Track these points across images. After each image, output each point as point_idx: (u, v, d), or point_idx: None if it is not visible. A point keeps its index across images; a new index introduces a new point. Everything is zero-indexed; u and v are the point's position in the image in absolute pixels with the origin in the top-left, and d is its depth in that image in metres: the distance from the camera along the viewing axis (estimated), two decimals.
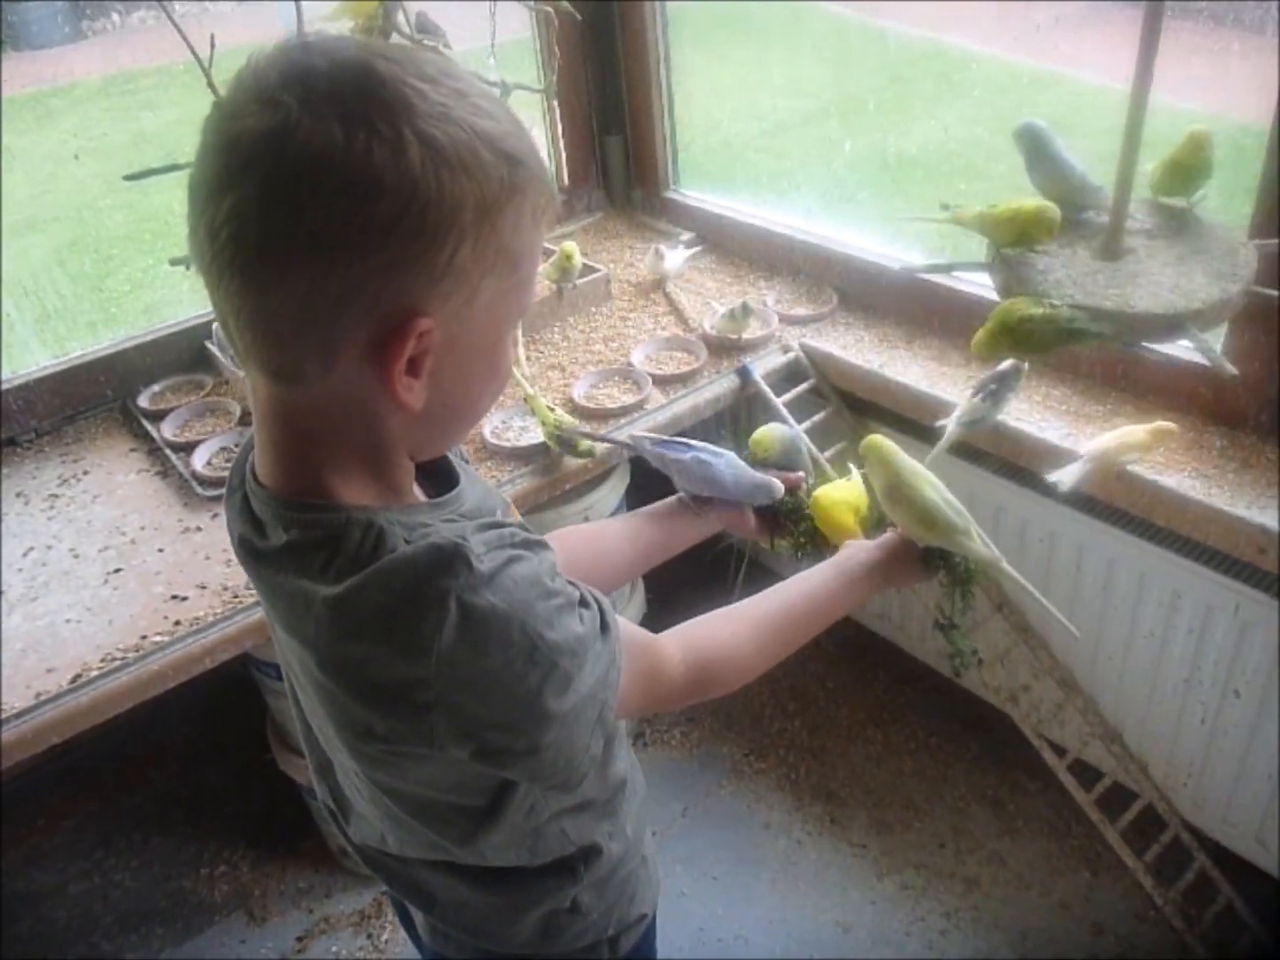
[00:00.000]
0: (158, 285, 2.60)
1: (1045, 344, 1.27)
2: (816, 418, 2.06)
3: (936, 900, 2.06)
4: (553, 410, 1.80)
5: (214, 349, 2.09)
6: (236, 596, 1.55)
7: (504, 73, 1.94)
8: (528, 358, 2.09)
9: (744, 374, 2.01)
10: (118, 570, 1.63)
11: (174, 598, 1.56)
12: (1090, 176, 1.46)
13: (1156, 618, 1.79)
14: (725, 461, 1.27)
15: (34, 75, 2.86)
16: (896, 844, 2.17)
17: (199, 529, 1.71)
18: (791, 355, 2.08)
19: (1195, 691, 1.80)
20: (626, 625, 0.88)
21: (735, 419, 2.40)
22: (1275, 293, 1.26)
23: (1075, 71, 2.48)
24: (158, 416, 1.99)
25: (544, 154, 0.76)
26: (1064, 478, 1.62)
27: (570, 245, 2.17)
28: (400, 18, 1.77)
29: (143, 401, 2.05)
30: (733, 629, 1.04)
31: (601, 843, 0.99)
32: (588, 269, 2.28)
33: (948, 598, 1.28)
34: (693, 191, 2.63)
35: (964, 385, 1.87)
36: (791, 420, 1.97)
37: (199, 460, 1.84)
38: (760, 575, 1.60)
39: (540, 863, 0.96)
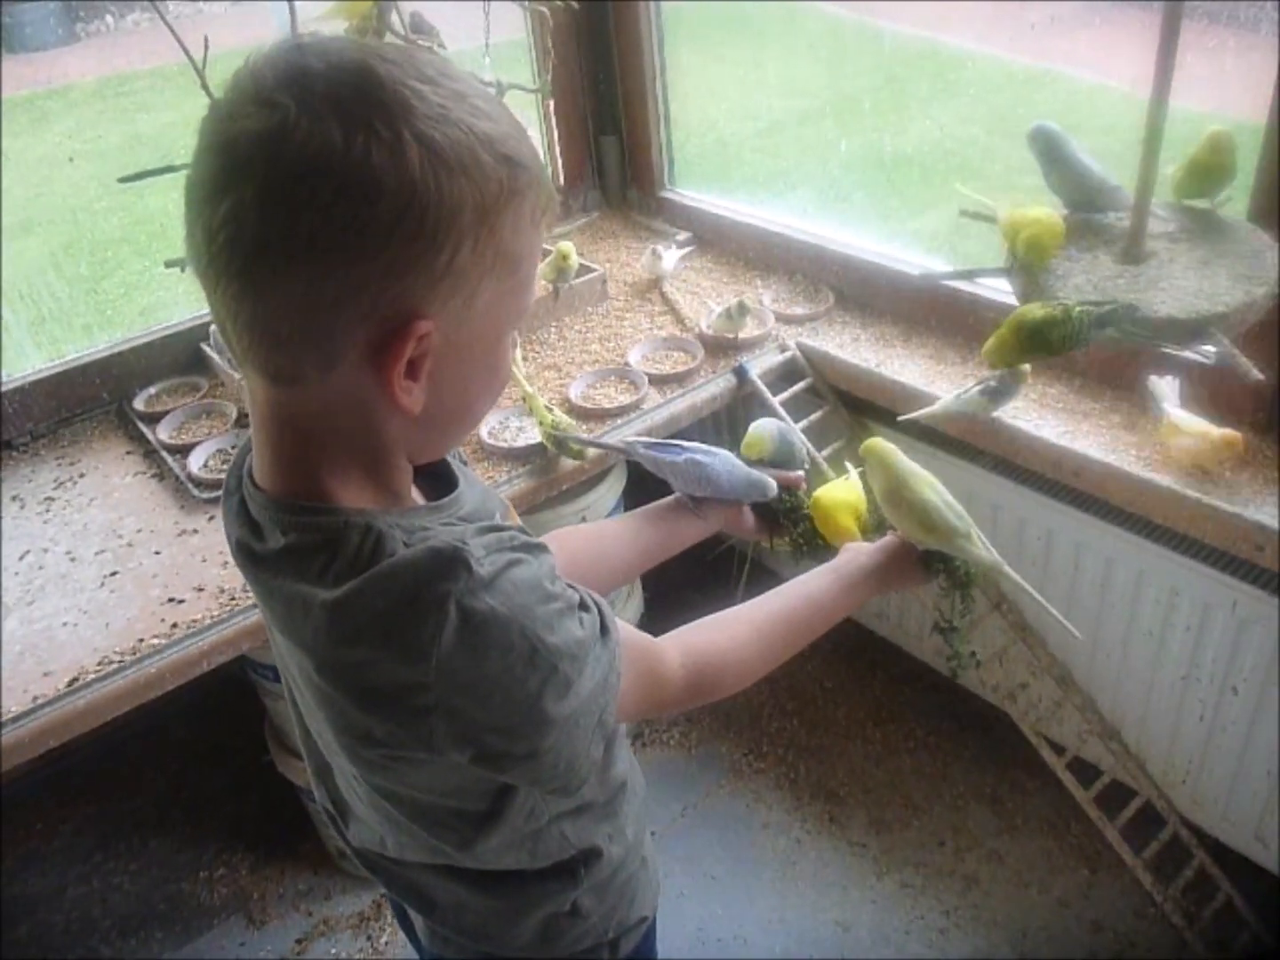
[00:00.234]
0: (153, 287, 2.60)
1: (1057, 347, 1.27)
2: (813, 416, 2.06)
3: (936, 899, 2.06)
4: (550, 410, 1.80)
5: (210, 351, 2.09)
6: (233, 599, 1.55)
7: (499, 73, 1.94)
8: (524, 358, 2.09)
9: (741, 373, 2.01)
10: (114, 573, 1.63)
11: (171, 600, 1.56)
12: (1109, 177, 1.45)
13: (1154, 615, 1.79)
14: (719, 461, 1.27)
15: (28, 77, 2.86)
16: (896, 842, 2.17)
17: (195, 531, 1.71)
18: (788, 354, 2.08)
19: (1193, 689, 1.80)
20: (626, 628, 0.87)
21: (732, 418, 2.40)
22: None
23: (1071, 70, 2.48)
24: (154, 419, 1.99)
25: (539, 154, 0.75)
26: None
27: (567, 245, 2.17)
28: (394, 18, 1.77)
29: (139, 404, 2.05)
30: (732, 632, 1.04)
31: (601, 845, 0.99)
32: (584, 269, 2.28)
33: (947, 600, 1.28)
34: (689, 191, 2.63)
35: (961, 383, 1.87)
36: (788, 419, 1.97)
37: (195, 462, 1.83)
38: (761, 576, 1.61)
39: (540, 866, 0.95)
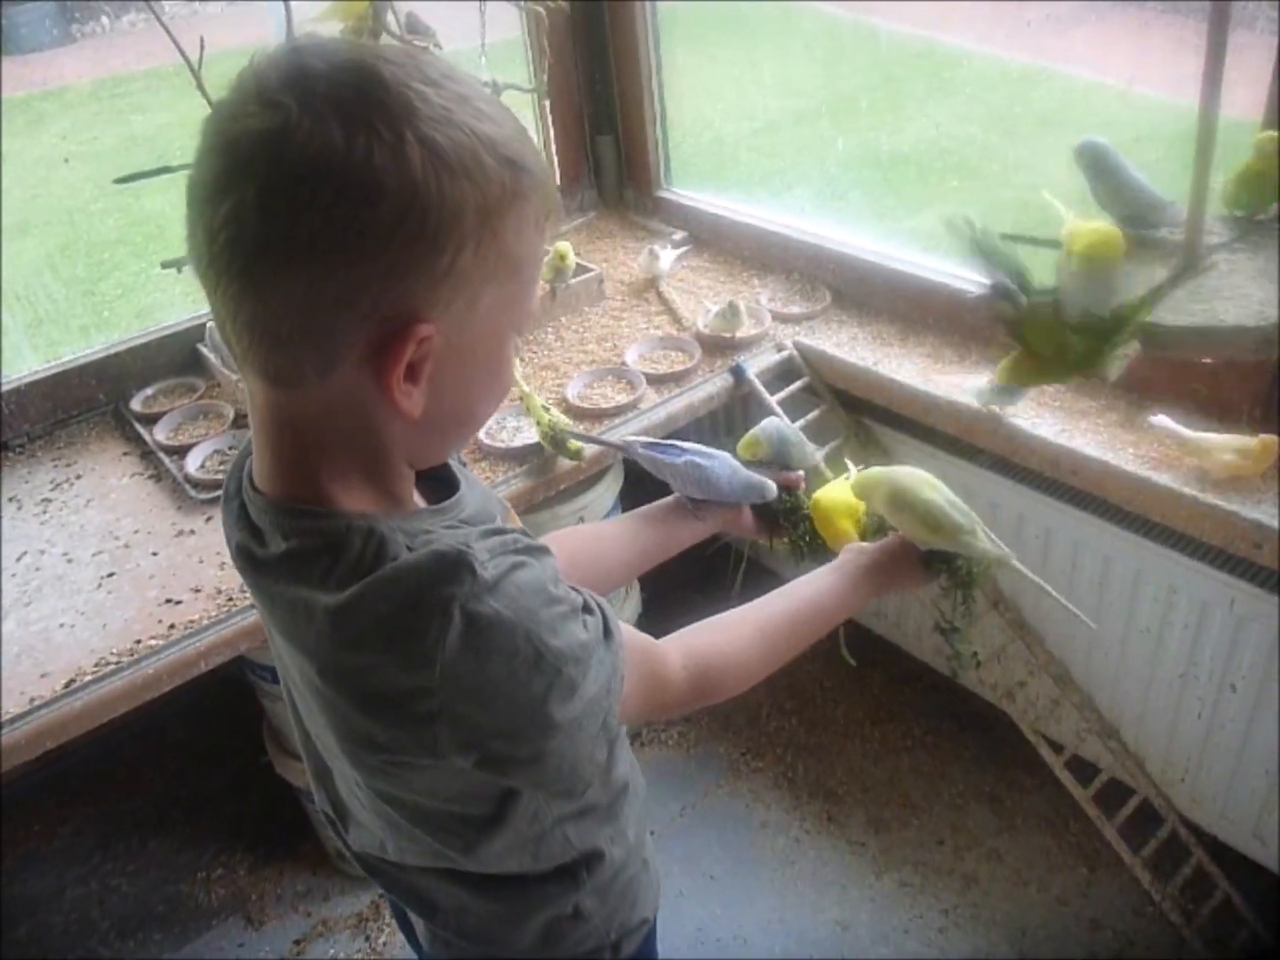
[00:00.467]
0: (150, 289, 2.60)
1: (1069, 367, 1.27)
2: (811, 416, 2.06)
3: (935, 898, 2.06)
4: (547, 410, 1.80)
5: (206, 352, 2.08)
6: (231, 599, 1.55)
7: (495, 73, 1.94)
8: (521, 358, 2.09)
9: (738, 373, 2.01)
10: (111, 574, 1.63)
11: (168, 601, 1.56)
12: (1159, 192, 1.44)
13: (1153, 613, 1.79)
14: (719, 463, 1.26)
15: (24, 79, 2.85)
16: (895, 842, 2.17)
17: (192, 532, 1.71)
18: (785, 353, 2.08)
19: (1192, 687, 1.80)
20: (628, 630, 0.87)
21: (730, 417, 2.40)
22: None
23: (1067, 68, 2.48)
24: (150, 420, 1.99)
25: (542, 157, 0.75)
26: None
27: (564, 245, 2.17)
28: (390, 18, 1.77)
29: (135, 405, 2.04)
30: (734, 634, 1.04)
31: (604, 848, 0.99)
32: (581, 268, 2.28)
33: (948, 600, 1.28)
34: (685, 191, 2.63)
35: (958, 382, 1.88)
36: (786, 419, 1.97)
37: (192, 463, 1.83)
38: (758, 575, 1.60)
39: (542, 869, 0.95)
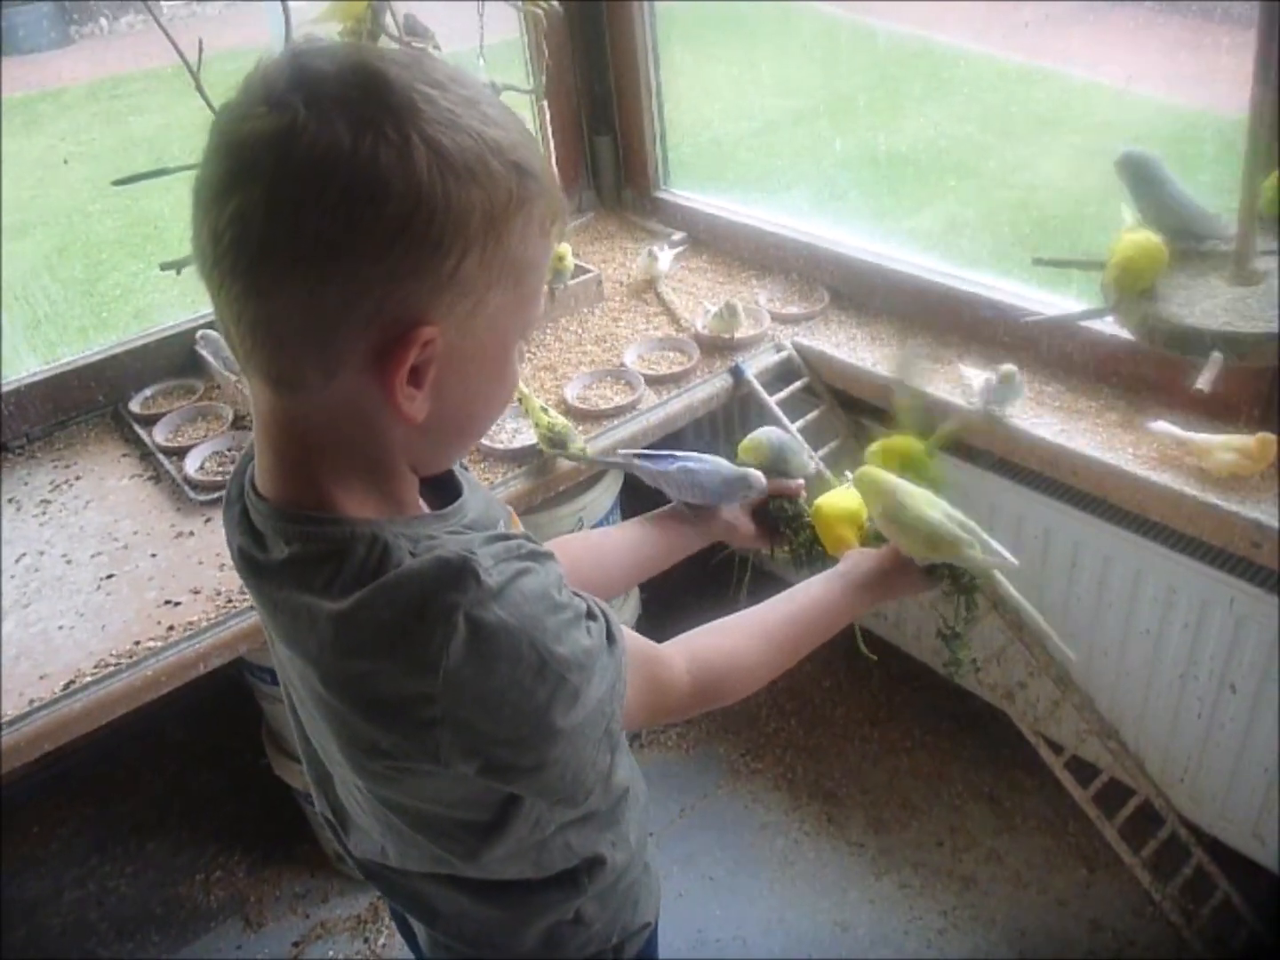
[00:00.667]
0: (148, 290, 2.59)
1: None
2: (809, 416, 2.06)
3: (934, 899, 2.06)
4: (546, 411, 1.80)
5: (204, 353, 2.08)
6: (230, 601, 1.54)
7: (493, 74, 1.94)
8: (522, 360, 2.09)
9: (737, 373, 2.01)
10: (110, 576, 1.63)
11: (167, 603, 1.55)
12: (1204, 204, 1.42)
13: (1152, 613, 1.79)
14: (708, 464, 1.27)
15: (21, 80, 2.85)
16: (894, 843, 2.17)
17: (191, 534, 1.70)
18: (784, 354, 2.08)
19: (1191, 687, 1.80)
20: (630, 635, 0.87)
21: (728, 418, 2.40)
22: None
23: (1064, 68, 2.48)
24: (149, 421, 1.98)
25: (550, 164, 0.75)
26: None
27: (562, 246, 2.17)
28: (388, 19, 1.77)
29: (134, 406, 2.04)
30: (736, 639, 1.04)
31: (605, 853, 0.98)
32: (579, 269, 2.28)
33: (949, 605, 1.28)
34: (683, 191, 2.62)
35: (956, 382, 1.88)
36: (785, 419, 1.97)
37: (191, 465, 1.83)
38: (762, 581, 1.60)
39: (544, 875, 0.95)
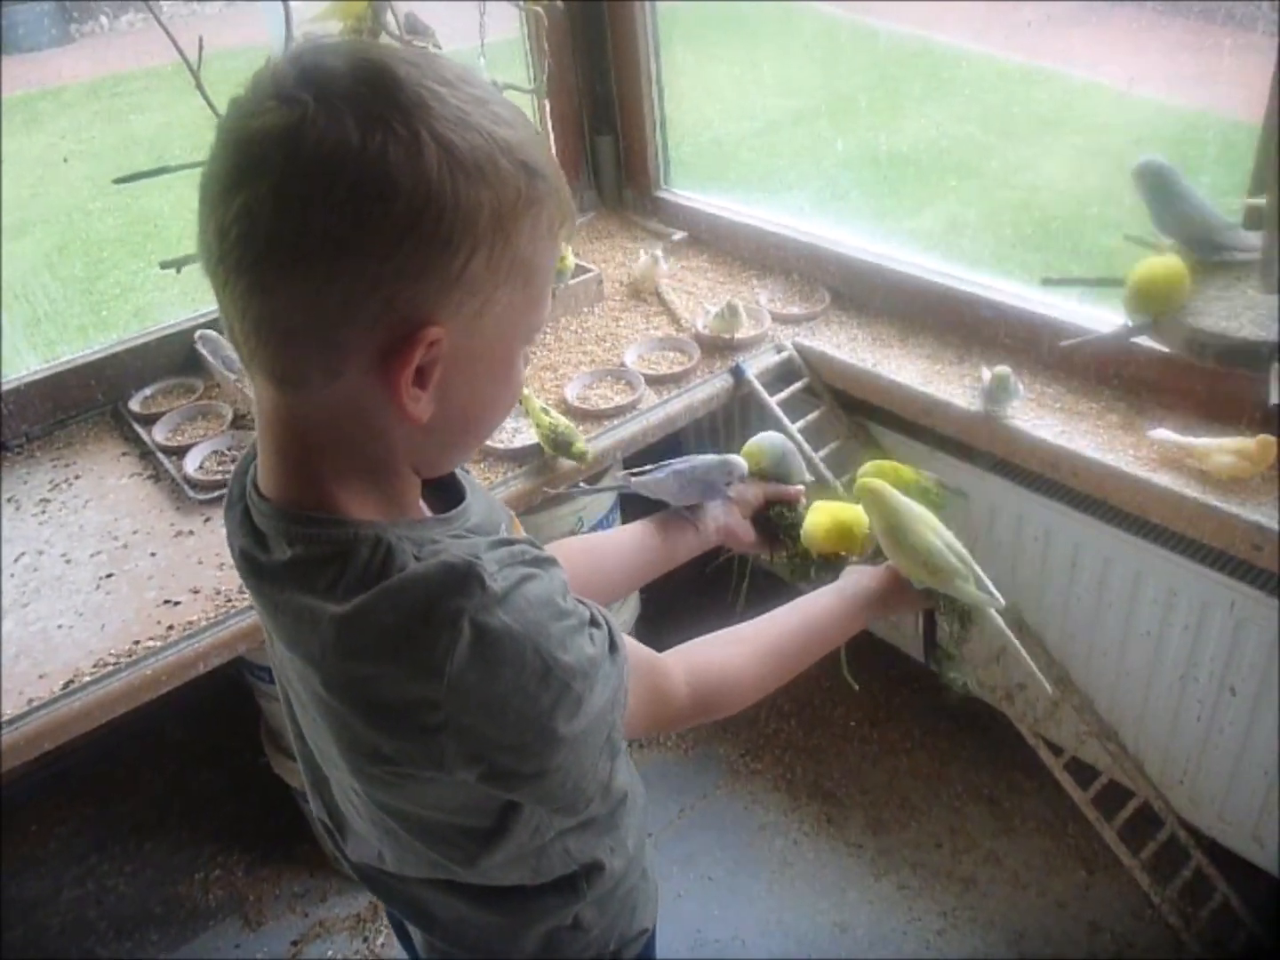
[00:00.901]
0: (148, 288, 2.59)
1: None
2: (810, 417, 2.05)
3: (933, 900, 2.05)
4: (547, 413, 1.79)
5: (203, 352, 2.08)
6: (229, 601, 1.54)
7: (494, 73, 1.94)
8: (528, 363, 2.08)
9: (737, 374, 2.01)
10: (110, 575, 1.62)
11: (166, 602, 1.55)
12: (1222, 214, 1.42)
13: (1152, 615, 1.79)
14: (695, 460, 1.27)
15: (22, 78, 2.85)
16: (893, 844, 2.17)
17: (191, 533, 1.70)
18: (785, 354, 2.07)
19: (1191, 689, 1.80)
20: (632, 644, 0.87)
21: (729, 419, 2.39)
22: None
23: (1065, 68, 2.48)
24: (149, 420, 1.98)
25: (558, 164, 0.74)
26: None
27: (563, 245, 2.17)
28: (389, 18, 1.77)
29: (134, 405, 2.04)
30: (737, 650, 1.04)
31: (604, 859, 0.98)
32: (580, 269, 2.27)
33: (946, 624, 1.28)
34: (684, 191, 2.62)
35: (959, 383, 1.88)
36: (785, 420, 1.97)
37: (191, 464, 1.83)
38: (761, 586, 1.60)
39: (542, 881, 0.94)
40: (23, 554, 1.69)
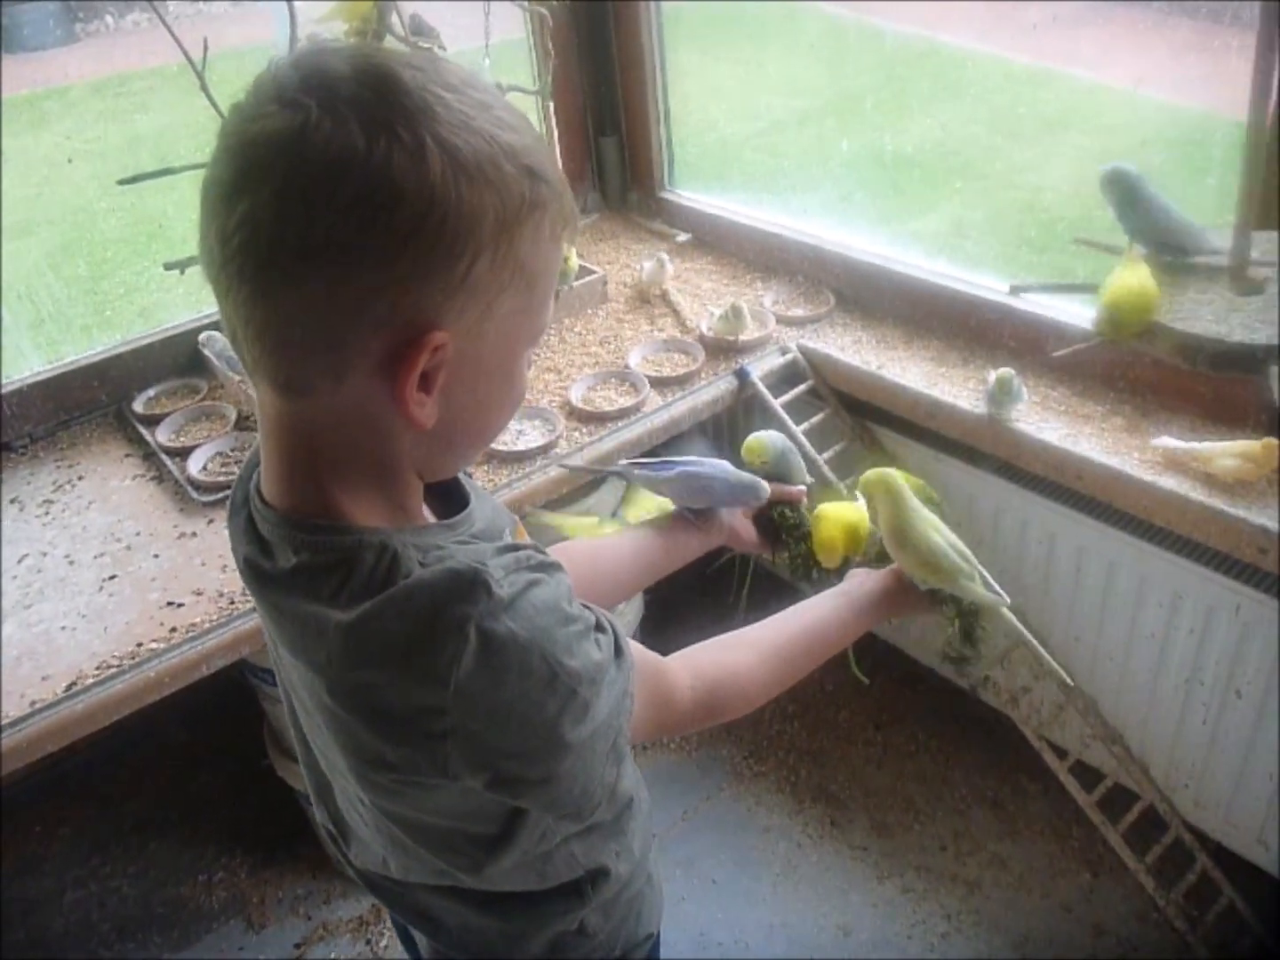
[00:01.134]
0: (152, 288, 2.59)
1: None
2: (815, 419, 2.05)
3: (938, 903, 2.05)
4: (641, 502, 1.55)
5: (207, 353, 2.07)
6: (233, 603, 1.54)
7: (498, 74, 1.94)
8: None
9: (742, 376, 2.01)
10: (113, 577, 1.62)
11: (170, 604, 1.55)
12: (1189, 218, 1.43)
13: (1157, 619, 1.78)
14: (709, 467, 1.27)
15: (27, 78, 2.85)
16: (897, 846, 2.16)
17: (195, 535, 1.70)
18: (789, 356, 2.07)
19: (1196, 693, 1.79)
20: (636, 649, 0.86)
21: (733, 421, 2.39)
22: None
23: (1071, 69, 2.48)
24: (153, 421, 1.98)
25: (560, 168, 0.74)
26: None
27: (567, 247, 2.16)
28: (394, 19, 1.76)
29: (138, 406, 2.04)
30: (741, 654, 1.03)
31: (609, 864, 0.98)
32: (584, 270, 2.27)
33: (952, 627, 1.28)
34: (689, 192, 2.62)
35: (963, 385, 1.87)
36: (789, 422, 1.96)
37: (194, 465, 1.83)
38: (765, 589, 1.60)
39: (548, 886, 0.94)
40: (26, 555, 1.69)
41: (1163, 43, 1.91)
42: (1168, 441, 1.62)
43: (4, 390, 1.96)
